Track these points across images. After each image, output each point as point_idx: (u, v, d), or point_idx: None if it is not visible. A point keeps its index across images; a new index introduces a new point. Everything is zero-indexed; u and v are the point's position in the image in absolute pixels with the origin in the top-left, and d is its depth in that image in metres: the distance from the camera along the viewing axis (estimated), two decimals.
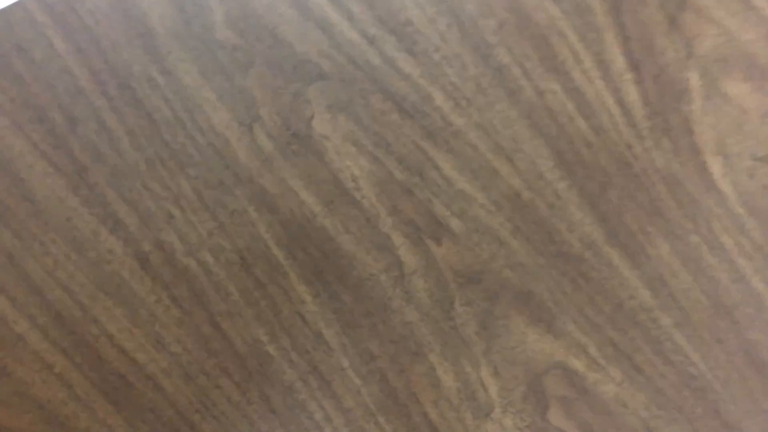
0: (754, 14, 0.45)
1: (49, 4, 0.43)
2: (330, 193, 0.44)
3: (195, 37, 0.43)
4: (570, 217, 0.44)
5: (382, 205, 0.44)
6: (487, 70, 0.44)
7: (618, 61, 0.45)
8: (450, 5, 0.44)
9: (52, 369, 0.42)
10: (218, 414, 0.43)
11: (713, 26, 0.45)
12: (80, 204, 0.43)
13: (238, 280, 0.43)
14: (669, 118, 0.45)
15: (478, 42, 0.44)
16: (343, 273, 0.43)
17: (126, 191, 0.43)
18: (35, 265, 0.42)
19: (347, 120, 0.44)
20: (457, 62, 0.44)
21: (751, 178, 0.45)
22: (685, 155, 0.45)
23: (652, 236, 0.44)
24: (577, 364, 0.44)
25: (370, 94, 0.44)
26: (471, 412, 0.43)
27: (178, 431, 0.42)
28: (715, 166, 0.45)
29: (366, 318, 0.43)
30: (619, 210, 0.44)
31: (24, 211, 0.42)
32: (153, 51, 0.43)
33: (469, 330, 0.44)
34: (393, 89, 0.44)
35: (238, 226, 0.43)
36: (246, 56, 0.44)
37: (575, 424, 0.44)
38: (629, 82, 0.45)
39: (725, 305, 0.44)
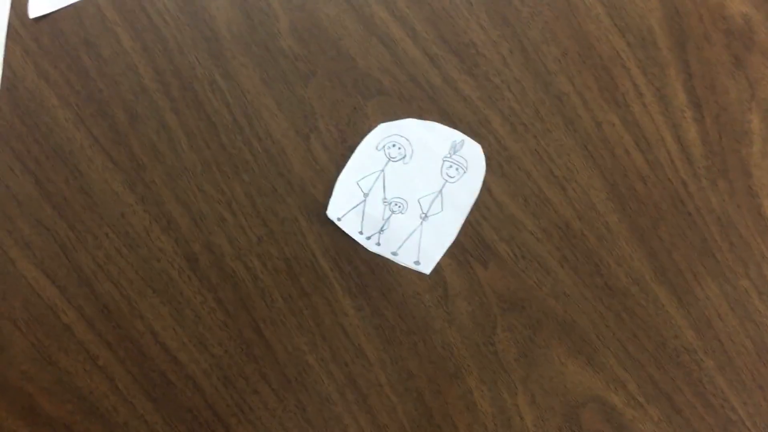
0: None
1: (119, 1, 0.44)
2: None
3: (259, 43, 0.44)
4: (619, 251, 0.44)
5: None
6: (546, 97, 0.44)
7: (679, 98, 0.44)
8: (514, 30, 0.44)
9: (95, 361, 0.43)
10: (254, 419, 0.43)
11: None
12: (135, 201, 0.43)
13: (284, 288, 0.43)
14: (727, 158, 0.44)
15: (539, 68, 0.44)
16: (388, 289, 0.44)
17: (181, 191, 0.43)
18: (87, 258, 0.43)
19: None
20: (517, 87, 0.44)
21: None
22: (740, 197, 0.44)
23: (701, 277, 0.44)
24: (616, 400, 0.44)
25: (427, 113, 0.44)
26: None
27: None
28: None
29: (407, 336, 0.44)
30: (670, 247, 0.44)
31: (80, 203, 0.43)
32: (217, 55, 0.44)
33: (509, 356, 0.44)
34: (451, 110, 0.44)
35: (288, 234, 0.44)
36: (308, 66, 0.44)
37: None
38: (689, 119, 0.44)
39: None
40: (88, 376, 0.43)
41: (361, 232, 0.43)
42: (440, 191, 0.44)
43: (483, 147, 0.44)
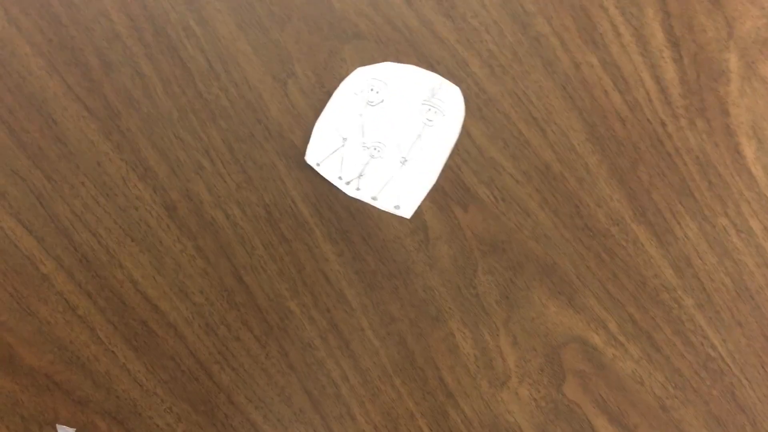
0: None
1: None
2: None
3: None
4: (599, 192, 0.44)
5: None
6: (524, 39, 0.44)
7: (657, 37, 0.44)
8: None
9: (75, 311, 0.43)
10: (237, 366, 0.43)
11: (755, 8, 0.45)
12: (111, 149, 0.43)
13: (264, 235, 0.43)
14: (705, 97, 0.44)
15: (517, 10, 0.44)
16: (369, 234, 0.43)
17: (157, 139, 0.43)
18: (64, 207, 0.43)
19: None
20: (495, 29, 0.44)
21: None
22: (718, 136, 0.44)
23: (680, 216, 0.44)
24: (596, 339, 0.44)
25: (405, 57, 0.44)
26: (487, 380, 0.43)
27: (197, 380, 0.43)
28: (749, 149, 0.44)
29: (388, 280, 0.44)
30: (649, 188, 0.44)
31: (55, 152, 0.43)
32: (191, 0, 0.43)
33: (490, 298, 0.44)
34: (429, 53, 0.44)
35: (267, 180, 0.43)
36: (283, 11, 0.43)
37: (590, 399, 0.44)
38: (667, 59, 0.44)
39: (748, 289, 0.44)
40: (68, 326, 0.42)
41: (340, 177, 0.43)
42: (419, 135, 0.43)
43: (461, 90, 0.44)
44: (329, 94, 0.43)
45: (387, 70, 0.43)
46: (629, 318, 0.44)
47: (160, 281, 0.43)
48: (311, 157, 0.43)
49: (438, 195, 0.44)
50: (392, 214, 0.43)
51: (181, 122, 0.43)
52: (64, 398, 0.42)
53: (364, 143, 0.43)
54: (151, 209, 0.43)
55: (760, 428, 0.43)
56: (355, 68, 0.43)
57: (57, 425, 0.41)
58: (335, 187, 0.43)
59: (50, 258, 0.42)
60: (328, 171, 0.43)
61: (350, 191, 0.43)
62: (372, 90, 0.43)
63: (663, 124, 0.44)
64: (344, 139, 0.43)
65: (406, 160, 0.43)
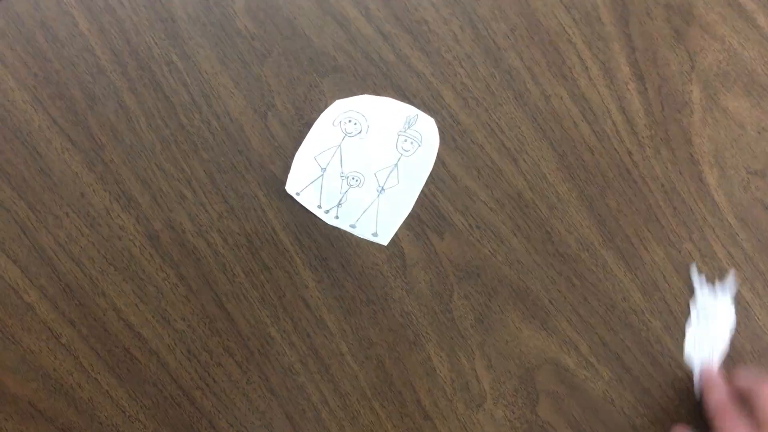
0: (756, 32, 0.47)
1: None
2: None
3: (215, 24, 0.45)
4: (569, 219, 0.46)
5: None
6: (496, 72, 0.46)
7: (623, 71, 0.46)
8: (464, 7, 0.46)
9: (59, 339, 0.43)
10: (219, 391, 0.44)
11: (717, 42, 0.47)
12: (95, 180, 0.44)
13: (245, 263, 0.44)
14: (669, 128, 0.46)
15: (489, 45, 0.46)
16: (347, 261, 0.45)
17: (140, 170, 0.44)
18: (48, 238, 0.43)
19: None
20: (469, 63, 0.46)
21: (744, 191, 0.46)
22: (682, 165, 0.46)
23: (647, 241, 0.46)
24: (568, 361, 0.45)
25: (382, 89, 0.45)
26: (464, 402, 0.45)
27: (180, 406, 0.43)
28: (711, 177, 0.46)
29: (367, 306, 0.45)
30: (617, 214, 0.46)
31: (40, 184, 0.44)
32: (174, 35, 0.44)
33: (465, 322, 0.45)
34: (405, 86, 0.45)
35: (248, 210, 0.44)
36: (264, 46, 0.45)
37: (563, 419, 0.45)
38: (633, 91, 0.46)
39: None
40: (51, 354, 0.43)
41: (319, 206, 0.44)
42: (396, 165, 0.45)
43: (436, 121, 0.45)
44: (308, 126, 0.45)
45: (364, 103, 0.45)
46: (600, 340, 0.46)
47: (143, 309, 0.44)
48: (291, 187, 0.44)
49: (414, 223, 0.45)
50: (370, 242, 0.45)
51: (164, 154, 0.44)
52: (47, 426, 0.43)
53: (342, 173, 0.45)
54: (134, 239, 0.44)
55: None
56: (334, 101, 0.45)
57: None
58: (314, 215, 0.45)
59: (34, 287, 0.43)
60: (308, 200, 0.44)
61: (329, 220, 0.44)
62: (350, 121, 0.45)
63: (629, 154, 0.46)
64: (323, 169, 0.44)
65: (383, 189, 0.45)
